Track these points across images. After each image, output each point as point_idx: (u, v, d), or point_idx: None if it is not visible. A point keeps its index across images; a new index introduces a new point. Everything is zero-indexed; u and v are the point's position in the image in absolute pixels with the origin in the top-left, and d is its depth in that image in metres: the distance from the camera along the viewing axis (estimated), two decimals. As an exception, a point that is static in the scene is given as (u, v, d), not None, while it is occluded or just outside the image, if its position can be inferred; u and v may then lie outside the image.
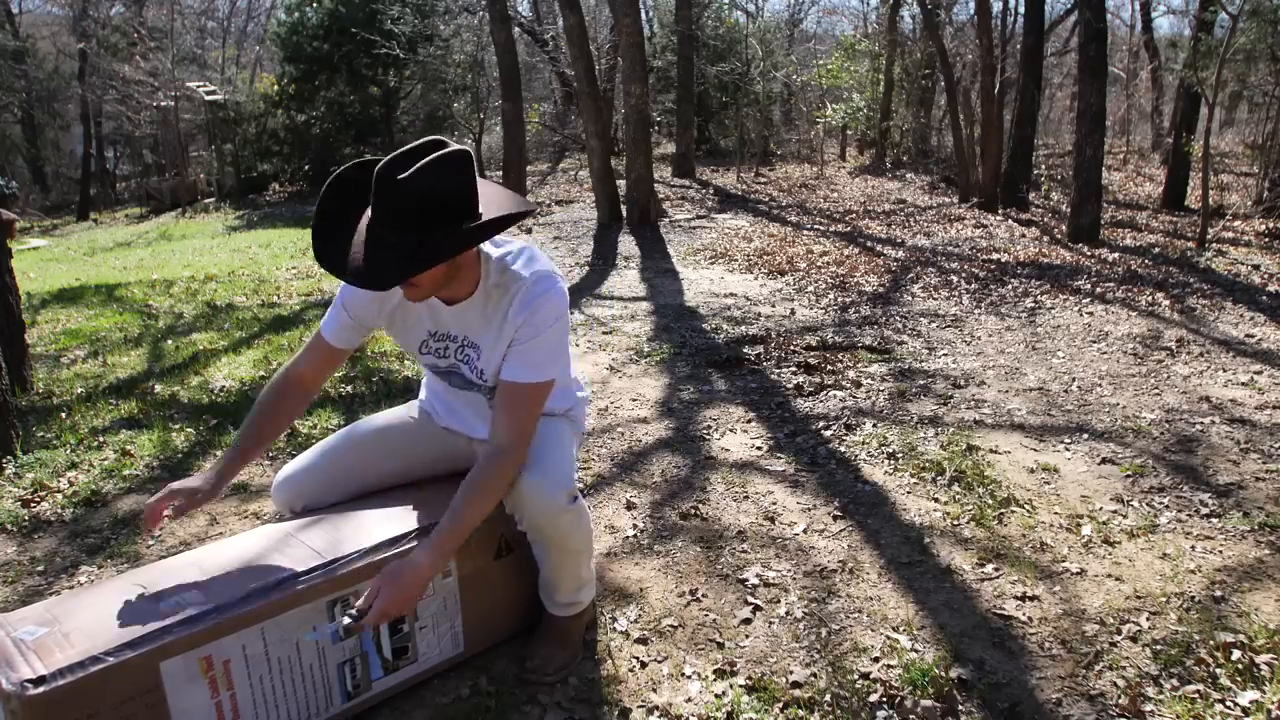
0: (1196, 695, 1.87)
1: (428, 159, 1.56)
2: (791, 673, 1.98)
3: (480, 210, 1.65)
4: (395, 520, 1.92)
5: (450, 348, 1.90)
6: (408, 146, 1.61)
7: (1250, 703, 1.84)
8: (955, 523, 2.70)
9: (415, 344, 1.94)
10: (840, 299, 6.17)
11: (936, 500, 2.87)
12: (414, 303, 1.79)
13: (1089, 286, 6.31)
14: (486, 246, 1.78)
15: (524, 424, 1.77)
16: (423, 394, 2.18)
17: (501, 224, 1.64)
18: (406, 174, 1.54)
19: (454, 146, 1.60)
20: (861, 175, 16.12)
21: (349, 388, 4.19)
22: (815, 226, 10.04)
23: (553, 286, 1.78)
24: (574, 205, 12.22)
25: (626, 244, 8.93)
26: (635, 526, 2.71)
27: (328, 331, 1.89)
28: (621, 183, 10.53)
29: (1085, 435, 3.43)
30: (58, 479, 3.17)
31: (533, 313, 1.75)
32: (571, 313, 5.49)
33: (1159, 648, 2.04)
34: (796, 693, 1.92)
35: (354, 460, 2.06)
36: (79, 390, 4.21)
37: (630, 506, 2.85)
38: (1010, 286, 6.39)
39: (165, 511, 1.81)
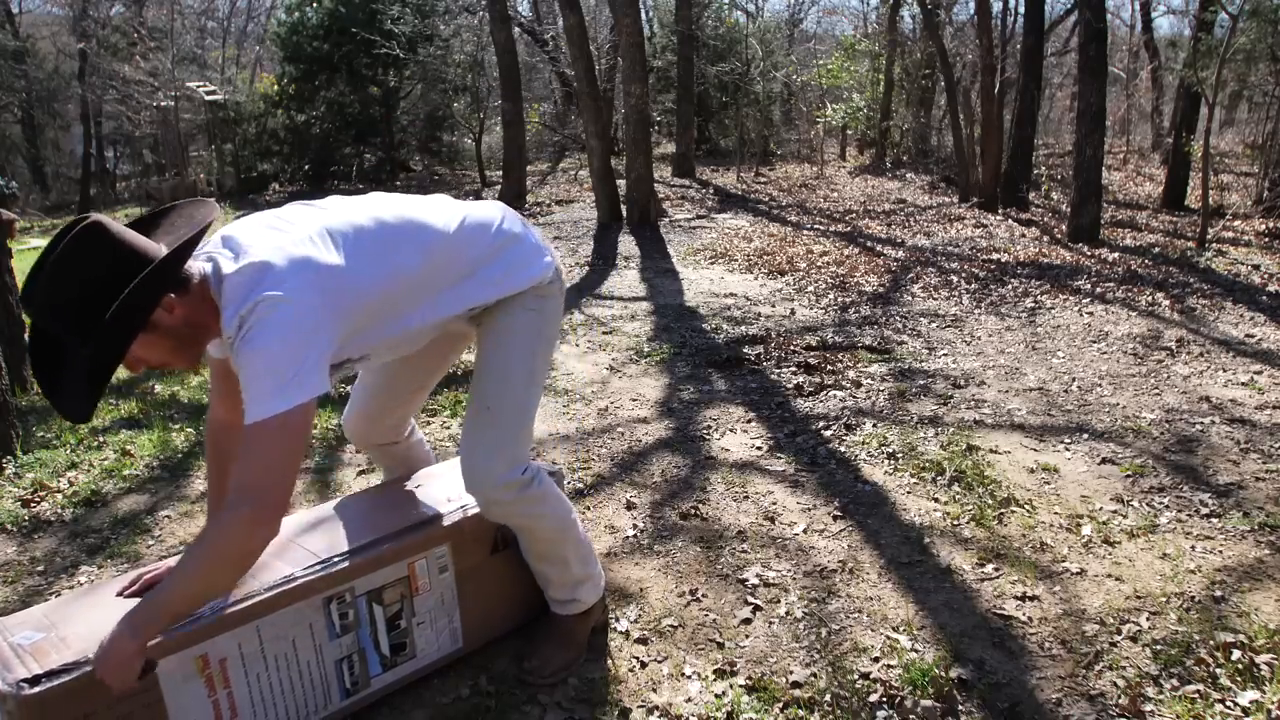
0: (1196, 695, 1.87)
1: (49, 262, 1.36)
2: (791, 673, 1.98)
3: (152, 258, 1.43)
4: (389, 515, 1.92)
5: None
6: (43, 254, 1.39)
7: (1250, 703, 1.83)
8: (955, 523, 2.70)
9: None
10: (840, 299, 6.16)
11: (936, 500, 2.87)
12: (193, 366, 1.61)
13: (1089, 286, 6.30)
14: (213, 281, 1.49)
15: (258, 473, 1.43)
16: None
17: (158, 274, 1.41)
18: (32, 293, 1.37)
19: (84, 220, 1.40)
20: (861, 175, 16.12)
21: (349, 388, 4.18)
22: (815, 226, 10.03)
23: (257, 313, 1.43)
24: (574, 205, 12.22)
25: (626, 244, 8.93)
26: (635, 526, 2.71)
27: (213, 351, 1.73)
28: (621, 183, 10.53)
29: (1085, 435, 3.42)
30: (58, 479, 3.17)
31: (240, 343, 1.44)
32: (571, 313, 5.49)
33: (1159, 648, 2.04)
34: (796, 693, 1.92)
35: (388, 386, 2.07)
36: (78, 390, 4.21)
37: (630, 506, 2.85)
38: (1010, 286, 6.39)
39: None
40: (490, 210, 1.84)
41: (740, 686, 1.94)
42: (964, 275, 6.84)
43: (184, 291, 1.47)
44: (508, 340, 1.82)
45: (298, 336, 1.44)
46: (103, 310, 1.37)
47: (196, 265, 1.50)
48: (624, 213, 10.37)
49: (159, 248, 1.47)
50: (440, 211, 1.75)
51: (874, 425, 3.57)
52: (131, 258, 1.41)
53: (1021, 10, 12.63)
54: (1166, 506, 2.79)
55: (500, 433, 1.80)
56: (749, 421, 3.66)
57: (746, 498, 2.91)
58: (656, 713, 1.86)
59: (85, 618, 1.61)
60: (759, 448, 3.36)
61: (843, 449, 3.33)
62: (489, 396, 1.81)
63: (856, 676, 1.97)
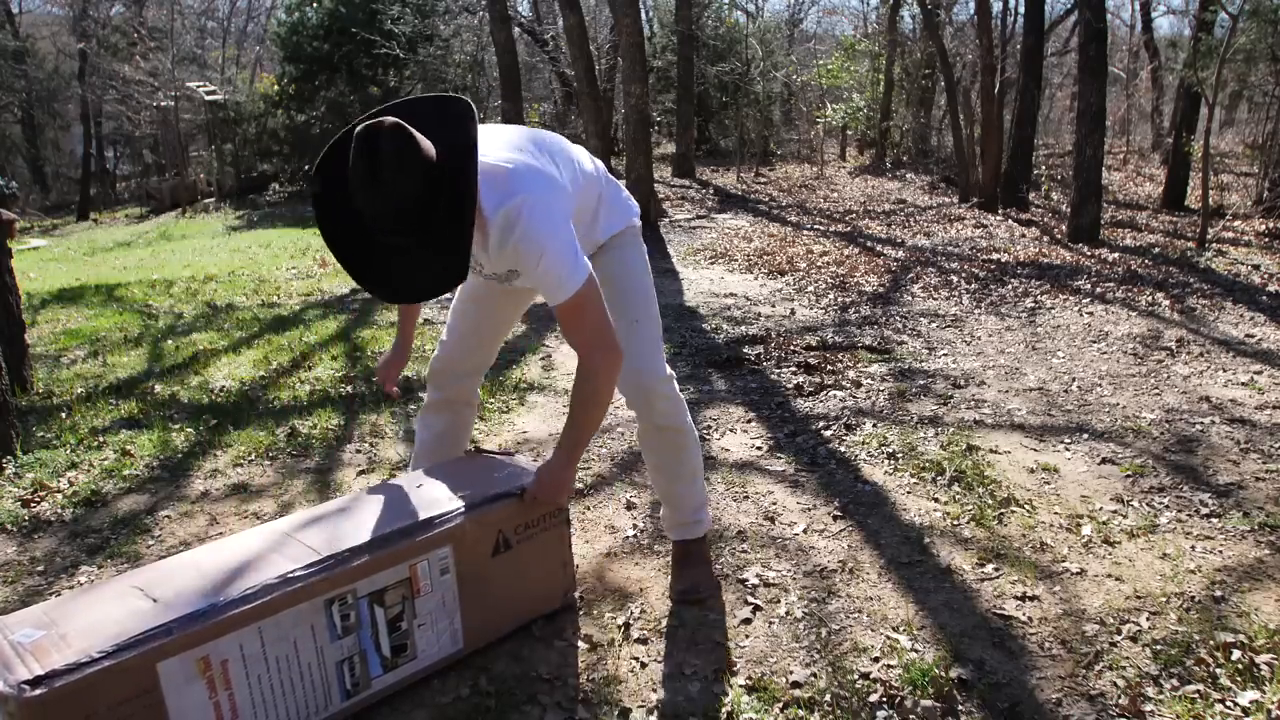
0: (1196, 695, 1.87)
1: (386, 164, 1.54)
2: (791, 673, 1.98)
3: (438, 161, 1.61)
4: (390, 517, 1.92)
5: (482, 268, 1.96)
6: (357, 159, 1.55)
7: (1250, 703, 1.83)
8: (955, 523, 2.70)
9: None
10: (840, 299, 6.17)
11: (936, 500, 2.87)
12: None
13: (1089, 286, 6.30)
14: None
15: (591, 333, 1.81)
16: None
17: (473, 183, 1.62)
18: (380, 192, 1.55)
19: (385, 131, 1.55)
20: (861, 175, 16.12)
21: (349, 388, 4.19)
22: (815, 226, 10.03)
23: (522, 212, 1.70)
24: (574, 205, 12.21)
25: (626, 244, 8.92)
26: (635, 526, 2.71)
27: None
28: (621, 183, 10.52)
29: (1085, 435, 3.42)
30: (58, 479, 3.17)
31: (516, 247, 1.73)
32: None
33: (1159, 648, 2.04)
34: (796, 693, 1.92)
35: (476, 328, 2.26)
36: (79, 390, 4.21)
37: (630, 507, 2.85)
38: (1010, 286, 6.39)
39: (393, 388, 2.21)
40: (591, 157, 2.10)
41: (740, 686, 1.94)
42: (964, 275, 6.84)
43: None
44: (630, 268, 2.11)
45: (561, 224, 1.74)
46: (443, 212, 1.60)
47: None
48: (624, 213, 10.36)
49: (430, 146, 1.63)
50: (580, 151, 2.05)
51: (874, 425, 3.57)
52: (429, 152, 1.61)
53: (1021, 10, 12.64)
54: (1166, 506, 2.80)
55: (653, 338, 2.09)
56: (749, 421, 3.67)
57: (746, 498, 2.91)
58: (656, 713, 1.87)
59: (86, 615, 1.61)
60: (759, 448, 3.36)
61: (843, 449, 3.33)
62: (634, 311, 2.07)
63: (856, 676, 1.97)
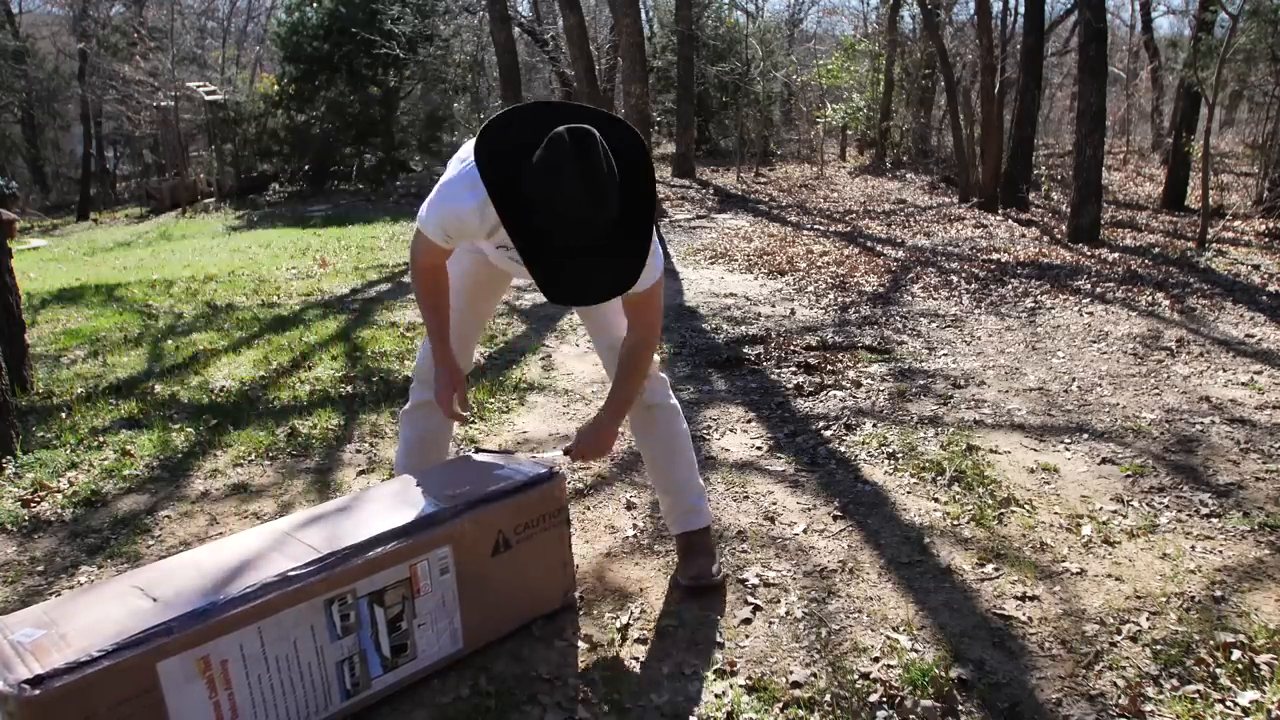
0: (1196, 695, 1.87)
1: (617, 177, 1.67)
2: (791, 673, 1.98)
3: (620, 170, 1.70)
4: (390, 517, 1.92)
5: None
6: (582, 169, 1.63)
7: (1250, 703, 1.83)
8: (955, 523, 2.70)
9: (494, 246, 2.08)
10: (840, 299, 6.17)
11: (936, 500, 2.87)
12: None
13: (1089, 286, 6.30)
14: None
15: (651, 318, 2.06)
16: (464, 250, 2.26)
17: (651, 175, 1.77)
18: (615, 213, 1.69)
19: (588, 135, 1.64)
20: (861, 175, 16.12)
21: (349, 388, 4.19)
22: (815, 226, 10.04)
23: None
24: (574, 205, 12.21)
25: (626, 244, 8.92)
26: (635, 526, 2.71)
27: (438, 241, 1.99)
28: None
29: (1085, 435, 3.42)
30: (58, 479, 3.17)
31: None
32: (571, 313, 5.47)
33: (1159, 648, 2.04)
34: (796, 693, 1.92)
35: (455, 332, 2.25)
36: (79, 390, 4.21)
37: (630, 507, 2.85)
38: (1010, 286, 6.39)
39: (457, 406, 2.18)
40: None
41: (740, 686, 1.94)
42: (964, 275, 6.84)
43: None
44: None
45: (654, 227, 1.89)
46: (648, 209, 1.76)
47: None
48: (624, 213, 10.35)
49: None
50: None
51: (874, 425, 3.57)
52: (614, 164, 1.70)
53: (1021, 10, 12.64)
54: (1166, 506, 2.80)
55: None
56: (749, 421, 3.67)
57: (746, 498, 2.91)
58: (656, 713, 1.87)
59: (86, 614, 1.61)
60: (759, 448, 3.36)
61: (843, 449, 3.33)
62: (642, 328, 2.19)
63: (856, 676, 1.97)
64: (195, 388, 4.27)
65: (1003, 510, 2.77)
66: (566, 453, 2.15)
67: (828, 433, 3.50)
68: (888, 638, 2.11)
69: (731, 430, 3.56)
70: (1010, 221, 10.04)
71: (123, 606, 1.62)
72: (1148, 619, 2.16)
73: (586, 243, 1.70)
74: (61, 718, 1.45)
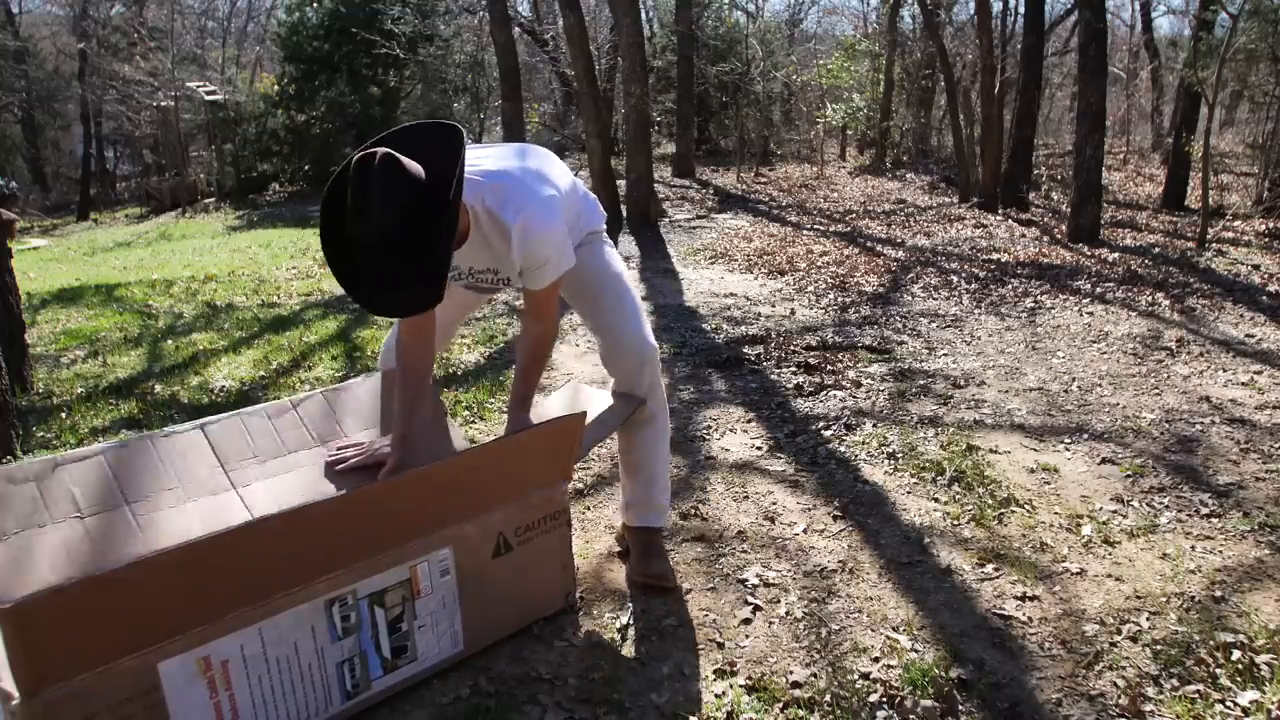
0: (1196, 695, 1.87)
1: (368, 199, 1.65)
2: (791, 673, 1.98)
3: (426, 179, 1.73)
4: (395, 520, 1.92)
5: (460, 274, 2.10)
6: (349, 190, 1.66)
7: (1250, 703, 1.83)
8: (955, 523, 2.70)
9: None
10: (840, 299, 6.17)
11: (936, 500, 2.87)
12: None
13: (1089, 286, 6.30)
14: (468, 196, 1.88)
15: (549, 310, 2.10)
16: None
17: (456, 204, 1.73)
18: (368, 230, 1.67)
19: (376, 163, 1.66)
20: (861, 175, 16.12)
21: (349, 388, 4.18)
22: (815, 226, 10.04)
23: (536, 216, 1.92)
24: (574, 205, 12.21)
25: (626, 244, 8.93)
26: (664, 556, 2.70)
27: None
28: (621, 183, 10.53)
29: (1085, 435, 3.42)
30: (57, 479, 3.16)
31: (529, 249, 1.93)
32: (570, 313, 5.50)
33: (1159, 648, 2.04)
34: (796, 693, 1.92)
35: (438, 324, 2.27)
36: (79, 390, 4.21)
37: (630, 506, 2.84)
38: (1010, 286, 6.39)
39: (353, 461, 2.08)
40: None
41: (740, 686, 1.94)
42: (964, 275, 6.85)
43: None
44: (609, 258, 2.34)
45: (560, 228, 1.98)
46: (426, 235, 1.70)
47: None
48: (624, 213, 10.37)
49: (419, 167, 1.75)
50: (560, 164, 2.22)
51: (874, 425, 3.57)
52: (418, 180, 1.73)
53: (1021, 10, 12.64)
54: (1166, 506, 2.80)
55: (638, 312, 2.30)
56: (749, 421, 3.67)
57: (746, 498, 2.91)
58: (656, 713, 1.87)
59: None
60: (759, 448, 3.36)
61: (843, 449, 3.33)
62: (620, 292, 2.30)
63: (856, 676, 1.97)
64: (195, 388, 4.27)
65: (1003, 510, 2.77)
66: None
67: (828, 433, 3.50)
68: (888, 638, 2.11)
69: (731, 430, 3.56)
70: (1010, 221, 10.04)
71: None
72: (1148, 619, 2.16)
73: (335, 258, 1.76)
74: (62, 717, 1.46)
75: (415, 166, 1.74)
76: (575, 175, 2.29)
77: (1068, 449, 3.29)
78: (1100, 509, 2.78)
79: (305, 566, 1.71)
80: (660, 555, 2.38)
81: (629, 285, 2.36)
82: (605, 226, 2.41)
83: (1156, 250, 7.83)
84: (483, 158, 1.98)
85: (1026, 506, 2.80)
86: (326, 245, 1.79)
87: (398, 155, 1.70)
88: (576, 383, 2.52)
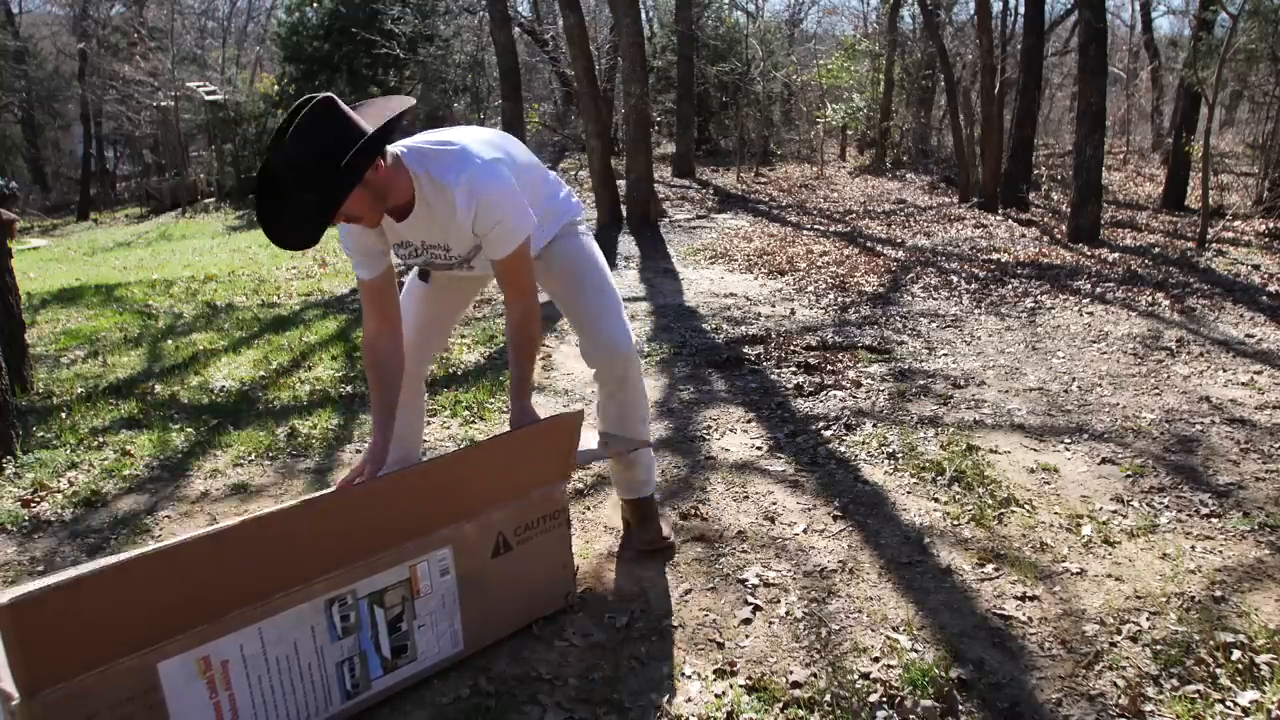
0: (1196, 695, 1.87)
1: (295, 122, 1.72)
2: (791, 673, 1.98)
3: (366, 132, 1.79)
4: (394, 519, 1.92)
5: (415, 250, 2.13)
6: (286, 118, 1.75)
7: (1250, 703, 1.83)
8: (955, 523, 2.70)
9: (392, 250, 2.16)
10: (840, 299, 6.17)
11: (936, 500, 2.87)
12: (377, 225, 1.98)
13: (1089, 286, 6.30)
14: (411, 163, 1.92)
15: (523, 282, 2.06)
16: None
17: (376, 140, 1.78)
18: (284, 146, 1.73)
19: (316, 98, 1.75)
20: (861, 175, 16.12)
21: (349, 388, 4.19)
22: (815, 226, 10.04)
23: (480, 176, 1.92)
24: (574, 205, 12.21)
25: (626, 244, 8.93)
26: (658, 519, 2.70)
27: (360, 274, 2.12)
28: (621, 183, 10.53)
29: (1085, 435, 3.42)
30: (58, 479, 3.17)
31: (480, 208, 1.93)
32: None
33: (1159, 648, 2.04)
34: (796, 693, 1.92)
35: (420, 322, 2.36)
36: (79, 390, 4.21)
37: (630, 506, 2.84)
38: (1010, 286, 6.39)
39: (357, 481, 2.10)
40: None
41: (740, 686, 1.94)
42: (964, 275, 6.84)
43: (384, 160, 1.86)
44: (587, 253, 2.33)
45: (512, 187, 1.97)
46: (331, 168, 1.72)
47: (393, 147, 1.92)
48: (624, 213, 10.37)
49: (366, 125, 1.81)
50: (525, 150, 2.27)
51: (874, 425, 3.57)
52: (353, 129, 1.78)
53: (1021, 10, 12.64)
54: (1166, 506, 2.80)
55: (617, 307, 2.31)
56: (749, 421, 3.67)
57: (746, 498, 2.91)
58: (656, 713, 1.87)
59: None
60: (759, 448, 3.36)
61: (843, 449, 3.33)
62: (599, 286, 2.30)
63: (856, 676, 1.97)
64: (195, 388, 4.27)
65: (1003, 510, 2.77)
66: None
67: (828, 433, 3.50)
68: (888, 638, 2.11)
69: (731, 430, 3.56)
70: (1010, 221, 10.04)
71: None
72: (1148, 619, 2.16)
73: (265, 177, 1.81)
74: (62, 717, 1.45)
75: (355, 118, 1.79)
76: (577, 173, 2.29)
77: (1068, 449, 3.29)
78: (1100, 509, 2.78)
79: (304, 565, 1.71)
80: (652, 519, 2.51)
81: (608, 278, 2.35)
82: (584, 218, 2.41)
83: (1156, 250, 7.83)
84: (439, 133, 2.02)
85: (1026, 506, 2.80)
86: (258, 172, 1.85)
87: (337, 102, 1.77)
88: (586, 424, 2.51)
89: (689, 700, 1.90)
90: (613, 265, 7.84)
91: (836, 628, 2.16)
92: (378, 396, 2.15)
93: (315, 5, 16.97)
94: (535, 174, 2.23)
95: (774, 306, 5.99)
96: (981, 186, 11.49)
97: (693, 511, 2.80)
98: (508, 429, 2.16)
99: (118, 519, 2.87)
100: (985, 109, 11.51)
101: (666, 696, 1.91)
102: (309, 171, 1.74)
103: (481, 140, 2.02)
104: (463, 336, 5.20)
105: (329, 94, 1.77)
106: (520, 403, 2.12)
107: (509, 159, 2.06)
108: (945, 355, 4.66)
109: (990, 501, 2.83)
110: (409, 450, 2.52)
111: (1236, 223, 9.37)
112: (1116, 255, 7.63)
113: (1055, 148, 18.23)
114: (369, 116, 1.85)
